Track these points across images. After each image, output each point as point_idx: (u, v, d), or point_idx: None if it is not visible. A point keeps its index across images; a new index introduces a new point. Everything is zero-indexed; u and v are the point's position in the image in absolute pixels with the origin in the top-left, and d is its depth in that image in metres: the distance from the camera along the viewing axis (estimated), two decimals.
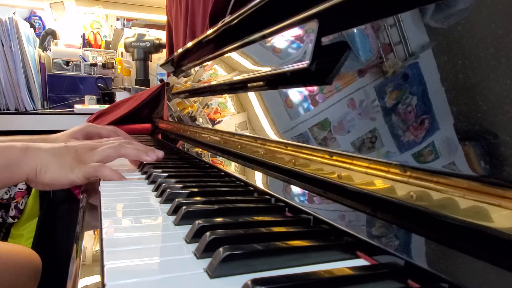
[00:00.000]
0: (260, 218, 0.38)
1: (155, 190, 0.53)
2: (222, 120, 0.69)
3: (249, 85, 0.61)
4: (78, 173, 0.56)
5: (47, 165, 0.55)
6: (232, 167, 0.62)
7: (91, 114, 1.37)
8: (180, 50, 1.00)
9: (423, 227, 0.28)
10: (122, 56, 1.90)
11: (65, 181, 0.56)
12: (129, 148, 0.63)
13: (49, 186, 0.57)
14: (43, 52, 1.70)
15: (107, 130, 0.85)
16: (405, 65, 0.31)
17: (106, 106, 1.46)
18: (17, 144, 0.56)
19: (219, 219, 0.36)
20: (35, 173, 0.55)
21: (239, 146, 0.59)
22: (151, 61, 1.87)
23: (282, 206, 0.44)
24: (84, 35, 1.86)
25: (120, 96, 1.64)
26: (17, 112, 1.49)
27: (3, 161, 0.53)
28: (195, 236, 0.33)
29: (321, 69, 0.41)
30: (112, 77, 1.81)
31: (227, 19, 0.67)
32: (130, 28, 1.97)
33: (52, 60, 1.67)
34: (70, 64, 1.70)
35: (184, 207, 0.39)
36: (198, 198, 0.46)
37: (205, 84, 0.80)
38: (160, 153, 0.66)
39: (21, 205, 1.43)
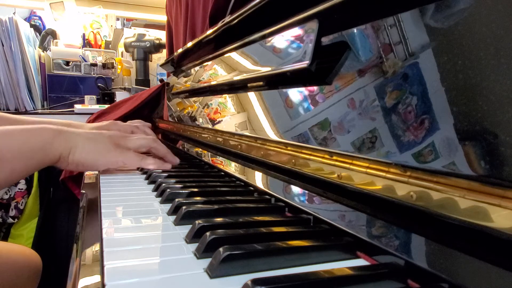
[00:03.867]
0: (260, 218, 0.38)
1: (155, 190, 0.53)
2: (222, 120, 0.69)
3: (249, 85, 0.61)
4: (118, 156, 0.59)
5: (82, 146, 0.58)
6: (232, 167, 0.62)
7: (91, 114, 1.37)
8: (180, 50, 1.00)
9: (423, 227, 0.28)
10: (122, 56, 1.90)
11: (102, 161, 0.59)
12: (160, 145, 0.66)
13: (83, 166, 0.58)
14: (43, 52, 1.70)
15: (131, 127, 0.84)
16: (405, 65, 0.31)
17: (106, 106, 1.46)
18: (51, 126, 0.58)
19: (219, 219, 0.36)
20: (68, 154, 0.57)
21: (239, 146, 0.59)
22: (151, 61, 1.87)
23: (282, 206, 0.44)
24: (84, 35, 1.86)
25: (120, 96, 1.64)
26: (17, 112, 1.49)
27: (39, 142, 0.55)
28: (195, 236, 0.33)
29: (321, 69, 0.40)
30: (112, 77, 1.81)
31: (227, 19, 0.67)
32: (130, 28, 1.97)
33: (52, 60, 1.67)
34: (70, 64, 1.70)
35: (184, 207, 0.39)
36: (198, 198, 0.46)
37: (205, 84, 0.80)
38: (177, 160, 0.69)
39: (21, 205, 1.43)
